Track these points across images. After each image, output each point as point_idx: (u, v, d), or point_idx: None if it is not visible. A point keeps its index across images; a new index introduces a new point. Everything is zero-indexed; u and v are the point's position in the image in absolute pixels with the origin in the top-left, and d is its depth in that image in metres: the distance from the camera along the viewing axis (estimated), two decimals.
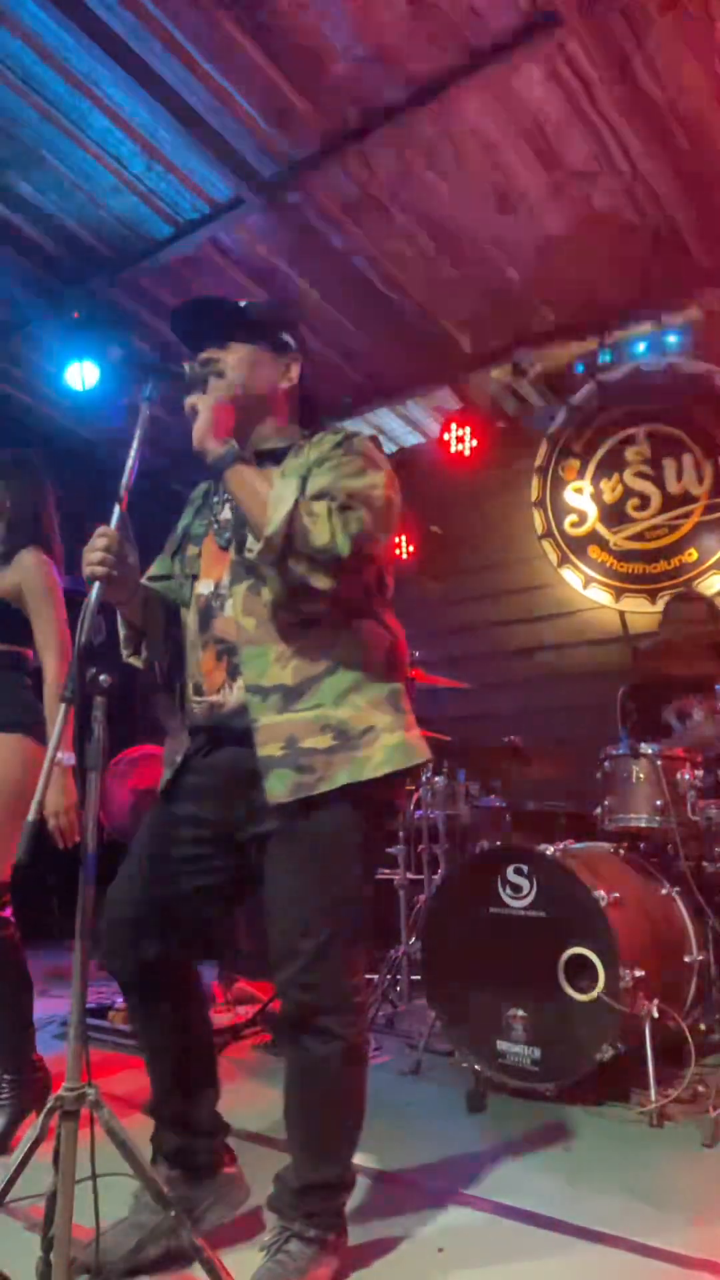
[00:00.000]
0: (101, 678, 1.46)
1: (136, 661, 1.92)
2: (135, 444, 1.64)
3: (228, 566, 1.75)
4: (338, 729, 1.65)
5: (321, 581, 1.61)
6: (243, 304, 1.83)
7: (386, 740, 1.67)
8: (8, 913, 2.36)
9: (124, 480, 1.62)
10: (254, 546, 1.60)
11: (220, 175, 4.02)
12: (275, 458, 1.80)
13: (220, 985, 3.54)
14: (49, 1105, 1.37)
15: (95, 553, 1.58)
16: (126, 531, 1.64)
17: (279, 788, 1.61)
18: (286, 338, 1.86)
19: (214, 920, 1.80)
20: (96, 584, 1.56)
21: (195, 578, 1.83)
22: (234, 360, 1.78)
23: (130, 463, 1.62)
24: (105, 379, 4.84)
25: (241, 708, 1.67)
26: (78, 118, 3.88)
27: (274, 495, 1.60)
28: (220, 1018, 3.27)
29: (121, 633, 1.89)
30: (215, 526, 1.83)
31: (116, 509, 1.62)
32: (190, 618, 1.81)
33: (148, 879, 1.72)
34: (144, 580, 1.92)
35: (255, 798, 1.64)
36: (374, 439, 1.81)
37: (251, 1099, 2.50)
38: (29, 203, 4.33)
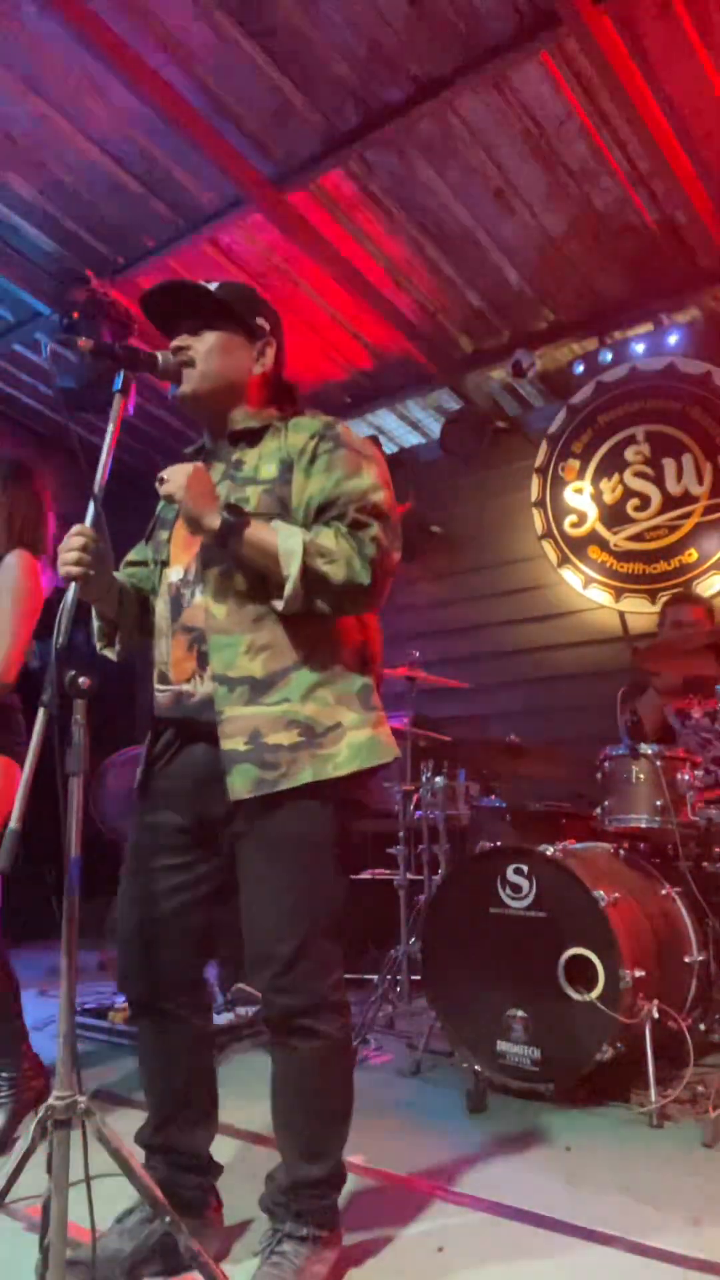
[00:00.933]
0: (81, 680, 1.42)
1: (111, 654, 1.90)
2: (109, 438, 1.60)
3: (197, 552, 1.72)
4: (304, 725, 1.62)
5: (351, 609, 1.65)
6: (212, 286, 1.77)
7: (353, 738, 1.66)
8: None
9: (98, 476, 1.59)
10: (278, 601, 1.60)
11: (220, 175, 4.02)
12: (250, 438, 1.77)
13: (220, 985, 3.54)
14: (39, 1115, 1.36)
15: (71, 552, 1.56)
16: (102, 529, 1.61)
17: (241, 784, 1.59)
18: (260, 321, 1.81)
19: (215, 923, 1.77)
20: (73, 584, 1.54)
21: (165, 564, 1.79)
22: (205, 349, 1.75)
23: (104, 457, 1.59)
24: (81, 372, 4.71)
25: (209, 699, 1.64)
26: (78, 118, 3.88)
27: (283, 550, 1.57)
28: (220, 1018, 3.27)
29: (95, 625, 1.87)
30: None
31: (91, 506, 1.59)
32: (161, 605, 1.77)
33: (145, 898, 1.70)
34: (122, 566, 1.90)
35: (227, 796, 1.61)
36: (374, 439, 1.80)
37: (251, 1099, 2.48)
38: (29, 203, 4.32)
